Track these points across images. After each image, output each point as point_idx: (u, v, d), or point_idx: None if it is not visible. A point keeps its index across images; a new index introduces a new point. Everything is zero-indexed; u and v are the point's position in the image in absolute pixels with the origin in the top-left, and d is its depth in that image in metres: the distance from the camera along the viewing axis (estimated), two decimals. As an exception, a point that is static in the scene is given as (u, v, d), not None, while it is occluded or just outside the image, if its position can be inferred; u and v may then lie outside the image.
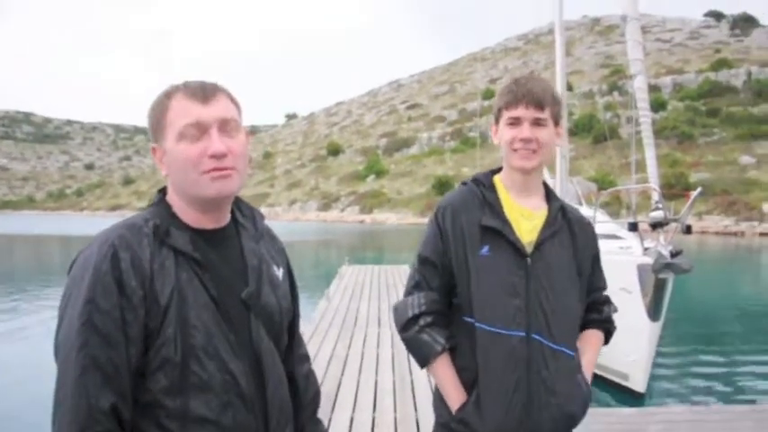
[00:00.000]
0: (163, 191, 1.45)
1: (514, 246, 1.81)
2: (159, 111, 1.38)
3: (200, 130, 1.35)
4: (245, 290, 1.39)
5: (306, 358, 1.67)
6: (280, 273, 1.52)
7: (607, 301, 2.06)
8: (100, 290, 1.24)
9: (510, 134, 1.84)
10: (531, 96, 1.80)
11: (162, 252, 1.31)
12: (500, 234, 1.81)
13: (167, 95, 1.38)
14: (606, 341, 2.08)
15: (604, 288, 2.06)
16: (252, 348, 1.38)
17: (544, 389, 1.78)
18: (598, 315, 2.02)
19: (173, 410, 1.28)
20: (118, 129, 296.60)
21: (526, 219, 1.86)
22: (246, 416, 1.34)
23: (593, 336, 2.02)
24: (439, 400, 1.94)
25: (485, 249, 1.81)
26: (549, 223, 1.86)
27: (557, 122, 1.87)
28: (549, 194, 1.95)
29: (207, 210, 1.41)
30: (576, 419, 1.86)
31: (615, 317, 2.08)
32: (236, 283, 1.39)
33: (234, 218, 1.48)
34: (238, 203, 1.52)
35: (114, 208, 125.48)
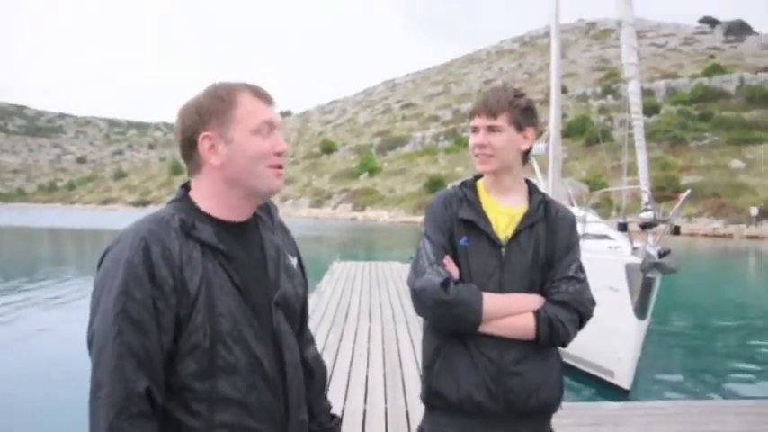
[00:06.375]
0: (185, 187, 1.51)
1: (489, 237, 1.94)
2: (228, 102, 1.44)
3: (270, 128, 1.47)
4: (266, 281, 1.48)
5: (312, 341, 1.76)
6: (294, 262, 1.61)
7: (565, 282, 1.94)
8: (133, 281, 1.30)
9: (472, 141, 2.03)
10: (484, 106, 1.99)
11: (189, 245, 1.37)
12: (475, 226, 1.95)
13: (233, 90, 1.46)
14: (542, 325, 1.88)
15: (568, 278, 1.95)
16: (273, 333, 1.46)
17: (513, 369, 1.88)
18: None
19: (201, 393, 1.35)
20: (111, 123, 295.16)
21: (504, 215, 1.99)
22: (270, 397, 1.43)
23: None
24: (424, 378, 2.02)
25: (463, 240, 1.96)
26: (527, 216, 1.98)
27: (520, 127, 1.99)
28: (532, 191, 2.07)
29: (253, 202, 1.51)
30: (546, 398, 1.93)
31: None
32: (258, 271, 1.48)
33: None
34: None
35: (105, 202, 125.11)
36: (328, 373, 5.93)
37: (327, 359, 6.60)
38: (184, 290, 1.34)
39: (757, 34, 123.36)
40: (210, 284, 1.37)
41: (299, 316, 1.61)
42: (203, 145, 1.43)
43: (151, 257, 1.32)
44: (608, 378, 7.34)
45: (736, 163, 56.75)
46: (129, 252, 1.32)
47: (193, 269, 1.35)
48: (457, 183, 2.12)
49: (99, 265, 1.39)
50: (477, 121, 2.00)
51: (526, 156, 2.06)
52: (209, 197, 1.46)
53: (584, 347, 6.97)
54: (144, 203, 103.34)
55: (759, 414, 5.02)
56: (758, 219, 44.09)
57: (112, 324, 1.29)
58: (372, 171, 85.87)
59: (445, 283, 1.85)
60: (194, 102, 1.46)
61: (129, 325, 1.29)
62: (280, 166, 1.48)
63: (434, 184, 63.39)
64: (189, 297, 1.34)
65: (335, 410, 5.21)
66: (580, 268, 1.98)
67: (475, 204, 1.99)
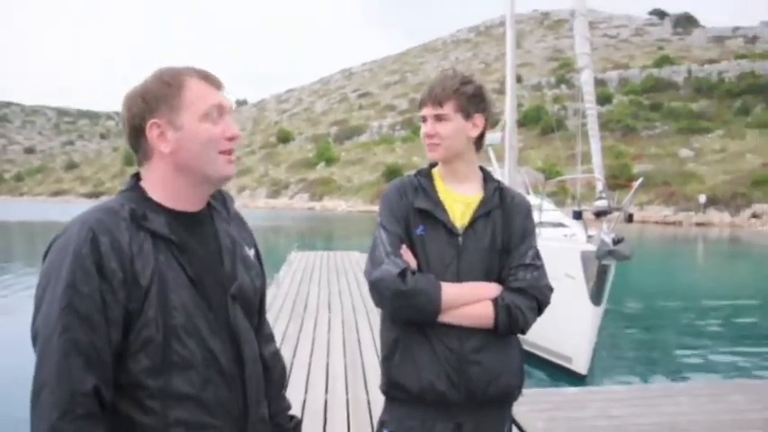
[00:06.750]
0: (136, 176, 1.44)
1: (446, 226, 1.93)
2: (175, 87, 1.38)
3: (220, 113, 1.41)
4: (221, 273, 1.42)
5: (271, 338, 1.70)
6: (251, 253, 1.56)
7: (522, 269, 1.94)
8: (80, 274, 1.24)
9: (422, 131, 2.02)
10: (430, 96, 1.97)
11: (140, 236, 1.31)
12: (432, 215, 1.94)
13: (180, 74, 1.40)
14: (501, 312, 1.88)
15: (525, 266, 1.95)
16: (229, 327, 1.41)
17: (473, 358, 1.88)
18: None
19: (154, 389, 1.29)
20: (61, 112, 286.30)
21: (460, 203, 1.98)
22: (227, 393, 1.37)
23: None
24: (384, 369, 2.00)
25: (420, 229, 1.94)
26: (483, 204, 1.97)
27: (468, 114, 1.96)
28: (487, 178, 2.06)
29: (206, 189, 1.46)
30: (506, 386, 1.93)
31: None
32: (213, 263, 1.42)
33: (207, 201, 1.51)
34: None
35: (56, 193, 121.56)
36: (288, 366, 5.93)
37: (287, 351, 6.55)
38: (135, 283, 1.28)
39: (703, 27, 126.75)
40: (163, 277, 1.31)
41: (256, 309, 1.56)
42: (152, 132, 1.37)
43: (99, 249, 1.26)
44: (565, 364, 7.48)
45: (685, 152, 58.43)
46: (76, 243, 1.26)
47: (145, 261, 1.30)
48: (412, 171, 2.10)
49: (44, 257, 1.32)
50: (424, 111, 1.99)
51: (479, 142, 2.04)
52: (161, 186, 1.40)
53: (542, 334, 7.06)
54: (97, 195, 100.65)
55: (710, 395, 5.17)
56: (706, 206, 45.54)
57: (58, 319, 1.22)
58: (329, 160, 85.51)
59: (402, 274, 1.83)
60: (140, 88, 1.40)
61: (76, 320, 1.23)
62: (231, 152, 1.43)
63: (392, 173, 63.34)
64: (140, 290, 1.28)
65: (296, 402, 5.13)
66: (537, 255, 1.98)
67: (431, 193, 1.98)
